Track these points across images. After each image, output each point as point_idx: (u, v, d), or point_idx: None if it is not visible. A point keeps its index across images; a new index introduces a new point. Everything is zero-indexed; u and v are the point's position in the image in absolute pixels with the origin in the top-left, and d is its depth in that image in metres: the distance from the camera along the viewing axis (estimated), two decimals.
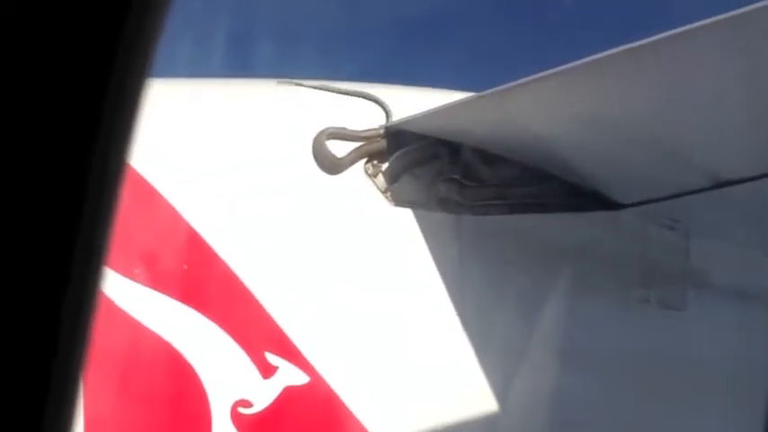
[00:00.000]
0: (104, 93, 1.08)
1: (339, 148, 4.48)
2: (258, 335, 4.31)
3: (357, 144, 4.49)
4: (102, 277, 1.11)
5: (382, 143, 4.54)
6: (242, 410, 4.29)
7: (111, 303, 4.12)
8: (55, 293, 1.09)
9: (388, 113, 4.59)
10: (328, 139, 4.43)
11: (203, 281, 4.27)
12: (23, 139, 1.06)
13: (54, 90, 1.06)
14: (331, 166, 4.44)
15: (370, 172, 4.54)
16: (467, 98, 4.56)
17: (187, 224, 4.26)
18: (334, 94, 4.61)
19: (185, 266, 4.27)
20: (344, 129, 4.48)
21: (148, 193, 4.20)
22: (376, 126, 4.57)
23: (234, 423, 4.27)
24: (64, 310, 1.09)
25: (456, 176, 4.65)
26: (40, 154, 1.08)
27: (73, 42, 1.05)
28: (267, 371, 4.30)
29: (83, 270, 1.10)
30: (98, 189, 1.09)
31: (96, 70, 1.07)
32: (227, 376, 4.27)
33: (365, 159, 4.52)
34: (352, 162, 4.47)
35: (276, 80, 4.67)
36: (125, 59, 1.09)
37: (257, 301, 4.30)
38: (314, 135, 4.42)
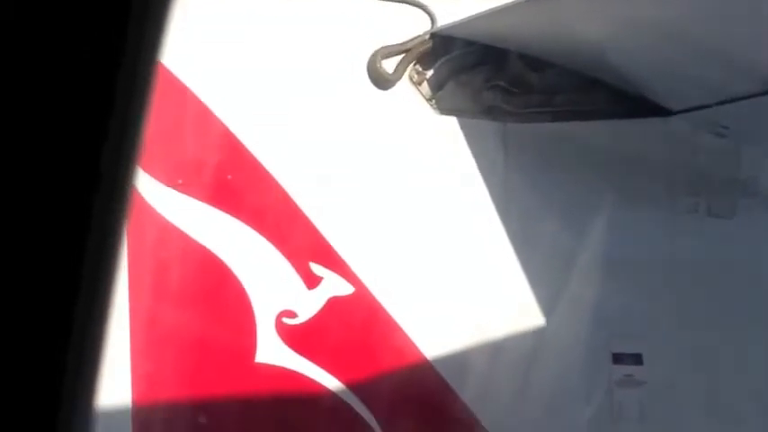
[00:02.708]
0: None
1: (389, 64, 4.42)
2: (303, 245, 4.28)
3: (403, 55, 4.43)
4: (133, 183, 1.09)
5: (427, 50, 4.46)
6: (287, 321, 4.28)
7: (154, 213, 4.10)
8: (86, 200, 1.06)
9: (433, 19, 4.50)
10: (382, 59, 4.38)
11: (248, 192, 4.24)
12: (55, 39, 1.03)
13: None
14: (384, 83, 4.39)
15: (414, 80, 4.47)
16: (514, 2, 4.45)
17: (232, 135, 4.22)
18: (379, 1, 4.53)
19: (230, 177, 4.24)
20: (395, 45, 4.42)
21: (199, 108, 4.16)
22: (421, 33, 4.48)
23: (279, 333, 4.26)
24: (94, 216, 1.06)
25: (502, 83, 4.56)
26: (72, 52, 1.05)
27: None
28: (312, 281, 4.28)
29: (114, 174, 1.06)
30: (129, 91, 1.06)
31: None
32: (272, 287, 4.26)
33: (410, 67, 4.45)
34: (402, 75, 4.42)
35: None
36: None
37: (302, 212, 4.26)
38: (364, 52, 4.37)
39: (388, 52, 4.41)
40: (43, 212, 1.06)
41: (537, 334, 4.57)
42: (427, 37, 4.47)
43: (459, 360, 4.43)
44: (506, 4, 4.42)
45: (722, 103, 4.71)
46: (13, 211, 1.05)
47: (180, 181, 4.16)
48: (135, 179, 1.10)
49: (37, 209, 1.06)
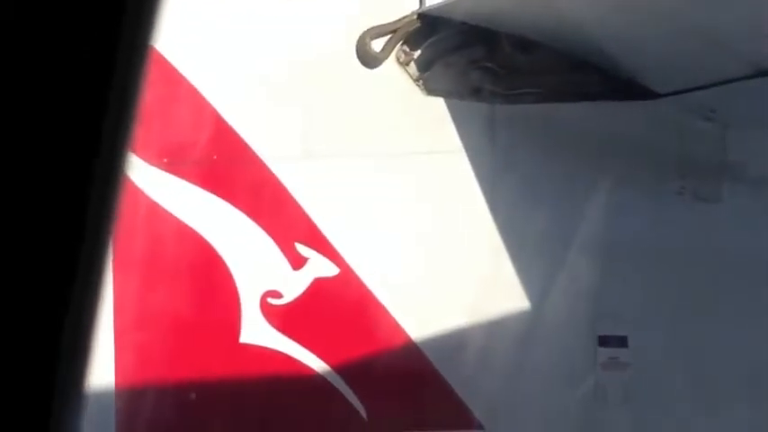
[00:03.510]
0: None
1: (377, 44, 4.41)
2: (289, 226, 4.27)
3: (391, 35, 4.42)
4: (127, 164, 1.09)
5: (415, 30, 4.44)
6: (272, 301, 4.27)
7: (139, 192, 4.08)
8: (81, 182, 1.06)
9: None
10: (371, 39, 4.36)
11: (234, 172, 4.22)
12: (52, 27, 1.03)
13: None
14: (372, 61, 4.37)
15: (402, 60, 4.45)
16: None
17: (218, 115, 4.20)
18: None
19: (215, 157, 4.22)
20: (383, 25, 4.40)
21: (179, 84, 4.13)
22: (409, 12, 4.46)
23: (263, 313, 4.25)
24: (91, 197, 1.06)
25: (489, 64, 4.55)
26: (68, 37, 1.05)
27: None
28: (297, 262, 4.27)
29: (108, 157, 1.07)
30: (124, 75, 1.06)
31: None
32: (257, 267, 4.24)
33: (398, 47, 4.43)
34: (389, 54, 4.40)
35: None
36: None
37: (288, 192, 4.25)
38: (353, 32, 4.35)
39: (376, 33, 4.39)
40: (40, 202, 1.06)
41: (524, 317, 4.57)
42: (415, 17, 4.45)
43: (445, 342, 4.43)
44: None
45: (710, 86, 4.70)
46: (9, 200, 1.05)
47: (165, 160, 4.14)
48: (128, 166, 1.11)
49: (33, 199, 1.06)
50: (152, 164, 4.11)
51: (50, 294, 1.07)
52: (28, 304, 1.06)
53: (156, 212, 4.10)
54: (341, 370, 4.31)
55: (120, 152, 1.10)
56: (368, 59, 4.38)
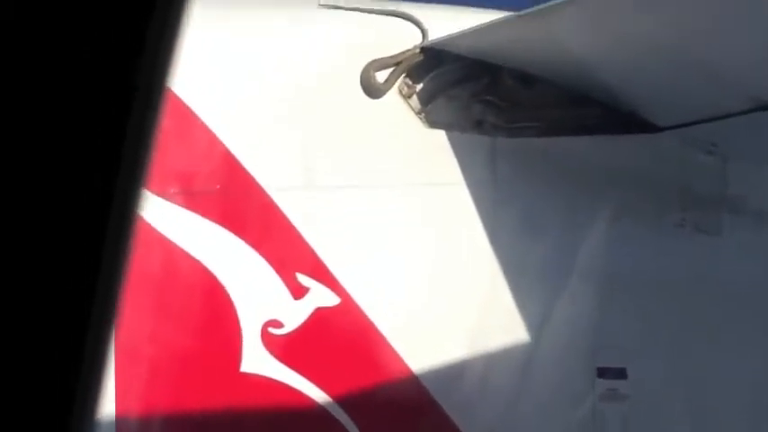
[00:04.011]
0: (148, 15, 1.06)
1: (381, 76, 4.44)
2: (290, 255, 4.30)
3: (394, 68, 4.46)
4: (142, 197, 1.11)
5: (418, 63, 4.48)
6: (272, 330, 4.29)
7: (143, 222, 4.11)
8: (97, 215, 1.08)
9: (424, 33, 4.52)
10: (376, 71, 4.40)
11: (237, 202, 4.26)
12: (68, 62, 1.04)
13: (100, 13, 1.04)
14: (375, 92, 4.41)
15: (404, 92, 4.48)
16: (504, 17, 4.47)
17: (221, 144, 4.24)
18: (372, 15, 4.55)
19: (218, 186, 4.25)
20: (387, 58, 4.44)
21: (183, 114, 4.16)
22: (411, 46, 4.50)
23: (264, 343, 4.27)
24: (107, 233, 1.08)
25: (491, 98, 4.58)
26: (86, 75, 1.06)
27: None
28: (298, 292, 4.30)
29: (124, 190, 1.09)
30: (141, 111, 1.08)
31: None
32: (259, 297, 4.27)
33: (400, 80, 4.47)
34: (392, 85, 4.44)
35: (317, 2, 4.59)
36: None
37: (290, 222, 4.28)
38: (357, 64, 4.39)
39: (380, 65, 4.43)
40: (50, 216, 1.08)
41: (522, 348, 4.59)
42: (418, 51, 4.49)
43: (445, 373, 4.45)
44: (496, 19, 4.45)
45: (711, 120, 4.73)
46: (11, 212, 1.06)
47: (169, 190, 4.17)
48: (143, 197, 1.12)
49: (41, 212, 1.08)
50: (156, 193, 4.14)
51: (65, 325, 1.09)
52: (42, 335, 1.08)
53: (158, 241, 4.13)
54: (341, 399, 4.33)
55: (136, 187, 1.12)
56: (371, 90, 4.42)
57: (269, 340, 4.27)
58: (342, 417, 4.32)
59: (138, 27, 1.07)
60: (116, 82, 1.07)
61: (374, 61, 4.43)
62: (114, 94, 1.07)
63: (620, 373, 4.75)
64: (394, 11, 4.58)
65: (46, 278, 1.07)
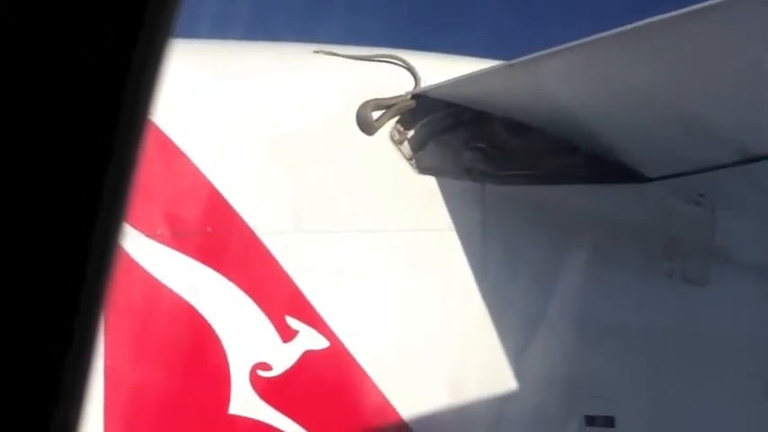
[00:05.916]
0: (131, 51, 1.08)
1: (375, 115, 4.50)
2: (279, 298, 4.31)
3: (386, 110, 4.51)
4: (123, 234, 1.10)
5: (410, 109, 4.53)
6: (261, 373, 4.29)
7: (132, 262, 4.13)
8: (76, 251, 1.08)
9: (417, 80, 4.57)
10: (372, 110, 4.45)
11: (227, 244, 4.28)
12: (50, 95, 1.06)
13: (81, 44, 1.05)
14: (368, 128, 4.45)
15: (396, 138, 4.53)
16: (495, 66, 4.53)
17: (212, 187, 4.26)
18: (366, 61, 4.60)
19: (209, 229, 4.27)
20: (381, 99, 4.49)
21: (173, 154, 4.20)
22: (403, 93, 4.55)
23: (253, 385, 4.28)
24: (87, 267, 1.08)
25: (482, 145, 4.63)
26: (67, 108, 1.07)
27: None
28: (287, 335, 4.31)
29: (104, 224, 1.09)
30: (123, 146, 1.09)
31: (124, 29, 1.07)
32: (248, 339, 4.28)
33: (392, 126, 4.52)
34: (384, 123, 4.49)
35: (312, 49, 4.65)
36: (152, 18, 1.08)
37: (280, 265, 4.30)
38: (350, 108, 4.44)
39: (375, 105, 4.48)
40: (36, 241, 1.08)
41: (510, 395, 4.60)
42: (410, 97, 4.54)
43: (432, 417, 4.46)
44: (488, 68, 4.50)
45: (699, 171, 4.78)
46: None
47: (159, 231, 4.19)
48: (124, 236, 1.12)
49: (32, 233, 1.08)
50: (145, 234, 4.16)
51: (44, 358, 1.08)
52: (21, 373, 1.08)
53: (147, 282, 4.15)
54: None
55: (117, 223, 1.12)
56: (365, 125, 4.45)
57: (257, 383, 4.27)
58: None
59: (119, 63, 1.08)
60: (95, 125, 1.07)
61: (369, 101, 4.48)
62: (95, 130, 1.08)
63: (609, 422, 4.76)
64: (388, 58, 4.64)
65: (26, 311, 1.07)
